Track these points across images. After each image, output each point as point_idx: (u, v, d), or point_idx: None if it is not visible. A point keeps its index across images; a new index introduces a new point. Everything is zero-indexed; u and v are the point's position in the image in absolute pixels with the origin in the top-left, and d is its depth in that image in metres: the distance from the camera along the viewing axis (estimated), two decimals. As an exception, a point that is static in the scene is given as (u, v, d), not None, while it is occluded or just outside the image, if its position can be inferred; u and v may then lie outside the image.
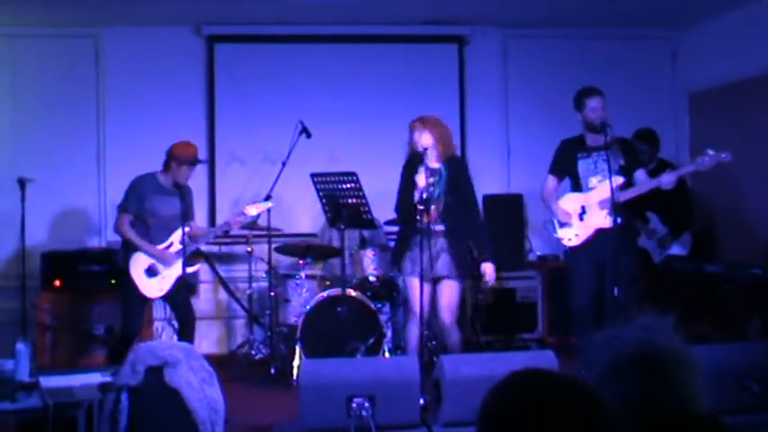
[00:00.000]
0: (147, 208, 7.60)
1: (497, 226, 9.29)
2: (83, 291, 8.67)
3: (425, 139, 7.08)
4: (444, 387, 6.11)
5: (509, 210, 9.42)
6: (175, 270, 7.61)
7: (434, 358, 7.42)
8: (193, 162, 7.68)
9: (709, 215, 9.25)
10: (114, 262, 8.63)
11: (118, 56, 9.49)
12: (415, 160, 7.14)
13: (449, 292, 7.18)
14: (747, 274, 7.89)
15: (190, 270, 7.73)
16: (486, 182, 9.78)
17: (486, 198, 9.48)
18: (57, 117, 9.37)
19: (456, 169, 7.21)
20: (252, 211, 7.86)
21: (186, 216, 7.67)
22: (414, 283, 7.14)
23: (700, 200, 9.07)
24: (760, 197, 8.68)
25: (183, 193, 7.68)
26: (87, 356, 8.62)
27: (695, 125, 9.88)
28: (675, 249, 8.46)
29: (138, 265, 7.60)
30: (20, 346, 5.62)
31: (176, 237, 7.63)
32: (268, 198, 8.03)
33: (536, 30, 9.99)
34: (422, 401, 6.24)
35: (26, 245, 8.53)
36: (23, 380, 5.50)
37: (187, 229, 7.65)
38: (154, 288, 7.60)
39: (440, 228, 7.11)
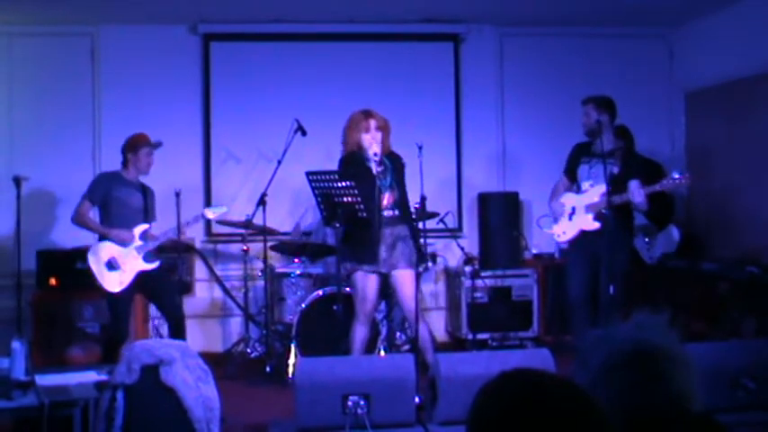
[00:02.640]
0: (114, 196, 7.68)
1: (493, 224, 9.31)
2: (78, 289, 8.66)
3: (378, 141, 7.10)
4: (440, 385, 6.11)
5: (504, 208, 9.41)
6: (135, 264, 7.66)
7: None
8: (147, 143, 7.81)
9: (704, 212, 9.25)
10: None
11: (114, 54, 9.48)
12: (356, 157, 7.16)
13: (409, 282, 7.13)
14: (743, 273, 7.90)
15: (150, 266, 7.74)
16: (482, 180, 9.81)
17: (482, 196, 9.50)
18: (53, 115, 9.37)
19: (397, 161, 7.25)
20: (209, 214, 7.96)
21: (149, 212, 7.84)
22: (364, 280, 7.17)
23: (692, 197, 9.07)
24: (756, 194, 8.68)
25: (146, 192, 7.85)
26: (82, 355, 8.60)
27: (691, 123, 9.88)
28: (662, 247, 8.47)
29: (97, 258, 7.64)
30: (15, 345, 5.61)
31: (137, 232, 7.71)
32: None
33: (532, 28, 9.99)
34: (417, 400, 6.24)
35: (21, 243, 8.51)
36: (19, 378, 5.50)
37: (146, 226, 7.72)
38: (114, 281, 7.61)
39: (395, 213, 7.13)
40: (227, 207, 8.09)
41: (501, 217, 9.36)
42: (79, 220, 7.76)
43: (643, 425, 2.22)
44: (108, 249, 7.64)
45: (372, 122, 7.14)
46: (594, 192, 7.50)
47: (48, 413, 5.06)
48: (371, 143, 7.07)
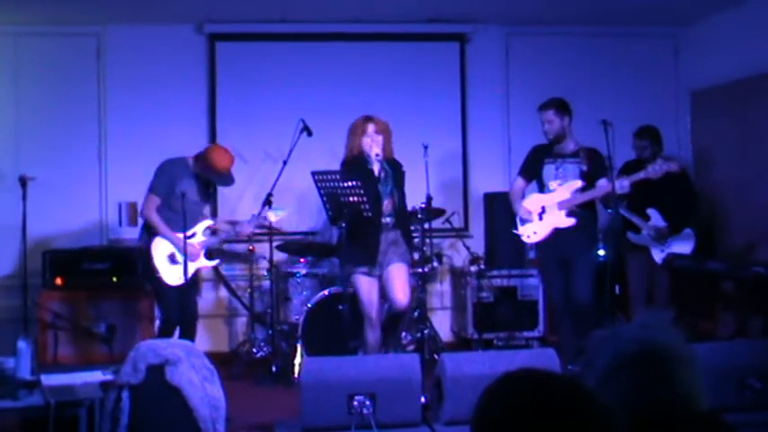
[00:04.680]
0: (178, 191, 7.51)
1: (498, 224, 9.30)
2: (84, 289, 8.67)
3: (378, 144, 7.16)
4: (446, 385, 6.11)
5: (510, 208, 9.38)
6: (197, 262, 7.65)
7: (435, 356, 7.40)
8: (224, 177, 7.70)
9: (711, 211, 9.24)
10: (116, 260, 8.65)
11: (120, 54, 9.48)
12: (358, 161, 7.19)
13: (400, 274, 7.18)
14: (749, 272, 7.88)
15: (211, 264, 7.79)
16: (488, 179, 9.80)
17: (487, 196, 9.49)
18: (59, 115, 9.37)
19: (398, 169, 7.31)
20: (272, 217, 7.91)
21: (208, 197, 7.83)
22: (365, 283, 7.20)
23: (702, 196, 9.06)
24: (762, 193, 8.67)
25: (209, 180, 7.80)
26: (89, 354, 8.61)
27: (697, 122, 9.87)
28: (678, 247, 8.44)
29: (159, 249, 7.58)
30: (21, 344, 5.62)
31: (201, 227, 7.69)
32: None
33: (538, 27, 9.98)
34: (423, 400, 6.24)
35: (28, 243, 8.52)
36: (25, 378, 5.50)
37: (210, 222, 7.71)
38: (174, 275, 7.55)
39: (390, 221, 7.21)
40: (287, 210, 8.11)
41: (507, 217, 9.33)
42: (148, 218, 7.64)
43: (649, 425, 2.22)
44: (169, 243, 7.60)
45: (371, 126, 7.20)
46: (566, 188, 7.59)
47: (54, 413, 5.07)
48: (371, 146, 7.14)
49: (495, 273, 9.19)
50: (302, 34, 9.68)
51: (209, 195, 7.87)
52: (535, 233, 7.74)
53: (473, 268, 9.17)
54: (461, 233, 9.63)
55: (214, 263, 7.89)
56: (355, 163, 7.22)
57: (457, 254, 9.65)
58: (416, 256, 7.89)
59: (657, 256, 8.45)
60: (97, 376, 5.67)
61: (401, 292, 7.19)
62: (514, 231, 7.96)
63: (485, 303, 9.15)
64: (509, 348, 8.74)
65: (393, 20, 9.64)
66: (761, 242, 8.63)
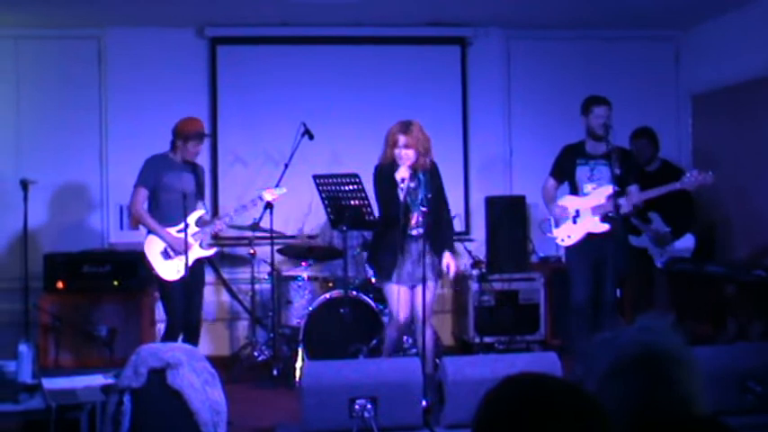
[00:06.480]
0: (164, 184, 7.58)
1: (499, 228, 9.30)
2: (85, 292, 8.67)
3: (409, 155, 6.87)
4: (447, 389, 6.12)
5: (511, 211, 9.39)
6: (191, 252, 7.57)
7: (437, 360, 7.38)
8: (197, 137, 7.70)
9: (711, 216, 9.24)
10: (117, 263, 8.66)
11: (121, 57, 9.48)
12: (390, 169, 6.91)
13: (428, 294, 6.95)
14: (750, 276, 7.89)
15: (207, 253, 7.79)
16: (489, 183, 9.79)
17: (489, 199, 9.49)
18: (60, 118, 9.38)
19: (433, 175, 7.07)
20: (267, 196, 7.87)
21: (200, 193, 7.81)
22: (395, 290, 7.01)
23: (702, 200, 9.06)
24: (763, 197, 8.67)
25: (196, 170, 7.79)
26: (90, 358, 8.62)
27: (698, 126, 9.87)
28: (678, 251, 8.46)
29: (152, 246, 7.58)
30: (22, 348, 5.63)
31: (192, 218, 7.67)
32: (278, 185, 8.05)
33: (538, 31, 9.98)
34: (424, 403, 6.24)
35: (29, 246, 8.52)
36: (26, 381, 5.52)
37: (203, 211, 7.70)
38: (171, 270, 7.52)
39: (420, 232, 6.96)
40: (285, 188, 8.03)
41: (508, 220, 9.35)
42: (136, 212, 7.69)
43: (650, 428, 2.22)
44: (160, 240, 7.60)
45: (401, 139, 6.85)
46: (599, 193, 7.55)
47: (55, 416, 5.07)
48: (401, 163, 6.85)
49: (496, 276, 9.17)
50: (303, 38, 9.68)
51: (200, 188, 7.84)
52: (569, 236, 7.74)
53: (474, 272, 9.16)
54: (462, 237, 9.62)
55: (211, 252, 7.85)
56: (387, 172, 6.93)
57: (458, 257, 9.64)
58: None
59: (658, 259, 8.47)
60: (98, 380, 5.67)
61: (426, 309, 7.03)
62: (548, 234, 7.99)
63: (486, 307, 9.13)
64: (510, 352, 8.73)
65: (394, 23, 9.63)
66: (762, 246, 8.64)
